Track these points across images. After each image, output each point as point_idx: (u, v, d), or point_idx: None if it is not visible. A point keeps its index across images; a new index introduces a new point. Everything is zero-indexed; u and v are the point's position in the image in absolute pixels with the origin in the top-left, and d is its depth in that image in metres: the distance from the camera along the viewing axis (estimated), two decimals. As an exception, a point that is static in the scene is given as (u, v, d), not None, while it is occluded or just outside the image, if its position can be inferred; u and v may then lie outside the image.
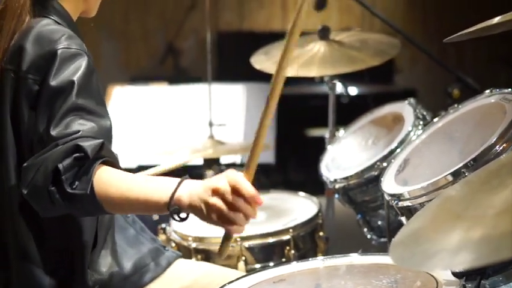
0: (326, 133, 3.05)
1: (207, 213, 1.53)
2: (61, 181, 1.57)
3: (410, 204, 1.92)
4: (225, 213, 1.51)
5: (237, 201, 1.50)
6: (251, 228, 2.50)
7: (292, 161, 5.80)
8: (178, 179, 1.58)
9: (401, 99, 2.63)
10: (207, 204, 1.52)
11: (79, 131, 1.63)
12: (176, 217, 1.57)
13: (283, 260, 2.42)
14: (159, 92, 4.02)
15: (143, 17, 6.61)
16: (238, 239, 2.39)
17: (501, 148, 1.81)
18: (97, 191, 1.57)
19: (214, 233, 2.47)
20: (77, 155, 1.58)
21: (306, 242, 2.51)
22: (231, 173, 1.54)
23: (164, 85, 4.16)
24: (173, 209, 1.56)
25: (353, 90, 5.43)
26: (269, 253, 2.44)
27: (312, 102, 5.15)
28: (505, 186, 1.18)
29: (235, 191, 1.51)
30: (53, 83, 1.72)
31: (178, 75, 5.85)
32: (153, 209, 1.64)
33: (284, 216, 2.59)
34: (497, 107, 1.99)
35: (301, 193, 2.77)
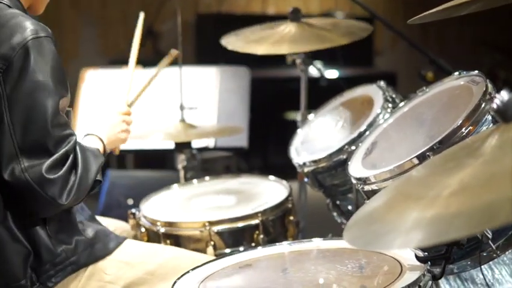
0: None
1: (125, 137, 2.31)
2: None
3: (376, 187, 1.90)
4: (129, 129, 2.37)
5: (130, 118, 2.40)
6: (220, 212, 2.48)
7: (270, 145, 5.78)
8: (95, 138, 2.13)
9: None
10: (125, 131, 2.31)
11: (72, 134, 1.92)
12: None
13: (253, 244, 2.38)
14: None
15: (122, 1, 6.55)
16: (207, 224, 2.36)
17: (467, 131, 1.80)
18: None
19: (184, 218, 2.47)
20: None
21: (276, 226, 2.46)
22: (117, 109, 2.38)
23: (139, 68, 4.10)
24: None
25: (332, 73, 5.40)
26: (238, 238, 2.39)
27: (290, 85, 5.10)
28: (461, 167, 1.16)
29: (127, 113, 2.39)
30: (35, 77, 1.82)
31: (157, 59, 5.80)
32: None
33: (254, 200, 2.54)
34: (465, 89, 1.97)
35: (272, 177, 2.73)
